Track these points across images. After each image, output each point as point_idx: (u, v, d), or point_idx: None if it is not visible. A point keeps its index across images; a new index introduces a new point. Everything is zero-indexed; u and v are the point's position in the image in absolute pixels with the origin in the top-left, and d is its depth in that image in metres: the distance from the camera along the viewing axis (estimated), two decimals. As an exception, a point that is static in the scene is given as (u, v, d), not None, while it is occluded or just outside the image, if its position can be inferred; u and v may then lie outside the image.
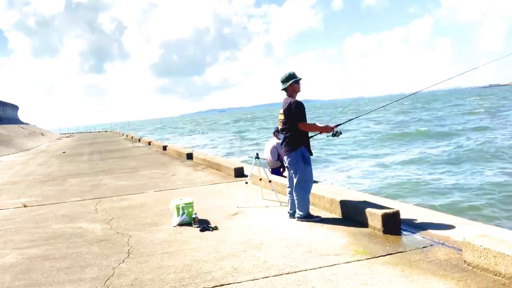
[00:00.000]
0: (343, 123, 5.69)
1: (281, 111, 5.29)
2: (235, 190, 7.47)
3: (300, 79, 5.28)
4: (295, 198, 5.24)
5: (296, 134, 5.18)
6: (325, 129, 5.29)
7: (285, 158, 5.31)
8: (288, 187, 5.47)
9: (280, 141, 5.61)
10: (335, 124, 5.41)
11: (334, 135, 5.31)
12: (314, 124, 5.33)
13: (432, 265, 3.58)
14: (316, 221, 5.12)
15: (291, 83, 5.24)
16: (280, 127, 5.37)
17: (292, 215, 5.36)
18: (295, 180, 5.24)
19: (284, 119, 5.22)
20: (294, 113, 5.12)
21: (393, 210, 4.57)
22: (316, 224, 5.02)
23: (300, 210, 5.19)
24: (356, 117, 6.22)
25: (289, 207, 5.43)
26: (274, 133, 8.83)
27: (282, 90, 5.35)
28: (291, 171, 5.28)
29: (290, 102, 5.17)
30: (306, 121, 5.19)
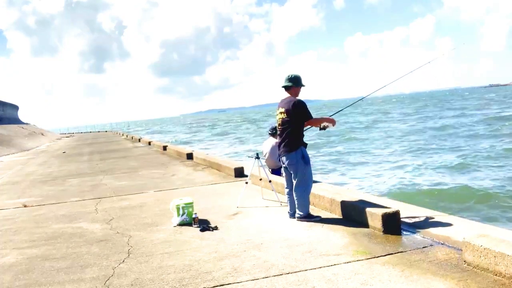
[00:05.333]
0: (334, 114, 5.75)
1: (282, 110, 5.21)
2: (235, 190, 7.47)
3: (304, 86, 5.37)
4: (295, 198, 5.22)
5: (296, 133, 5.15)
6: (331, 121, 5.28)
7: (284, 158, 5.26)
8: (286, 188, 5.45)
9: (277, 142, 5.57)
10: (327, 117, 5.42)
11: (321, 128, 5.31)
12: (320, 118, 5.34)
13: (432, 265, 3.58)
14: (316, 221, 5.11)
15: (299, 86, 5.29)
16: (279, 126, 5.29)
17: (292, 215, 5.34)
18: (294, 181, 5.21)
19: (286, 117, 5.15)
20: (302, 111, 5.11)
21: (393, 210, 4.57)
22: (316, 224, 5.02)
23: (300, 210, 5.18)
24: (341, 109, 6.36)
25: (289, 208, 5.41)
26: (269, 133, 8.77)
27: (285, 87, 5.29)
28: (291, 171, 5.26)
29: (295, 101, 5.13)
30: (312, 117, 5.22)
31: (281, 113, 5.22)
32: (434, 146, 22.58)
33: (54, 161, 17.62)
